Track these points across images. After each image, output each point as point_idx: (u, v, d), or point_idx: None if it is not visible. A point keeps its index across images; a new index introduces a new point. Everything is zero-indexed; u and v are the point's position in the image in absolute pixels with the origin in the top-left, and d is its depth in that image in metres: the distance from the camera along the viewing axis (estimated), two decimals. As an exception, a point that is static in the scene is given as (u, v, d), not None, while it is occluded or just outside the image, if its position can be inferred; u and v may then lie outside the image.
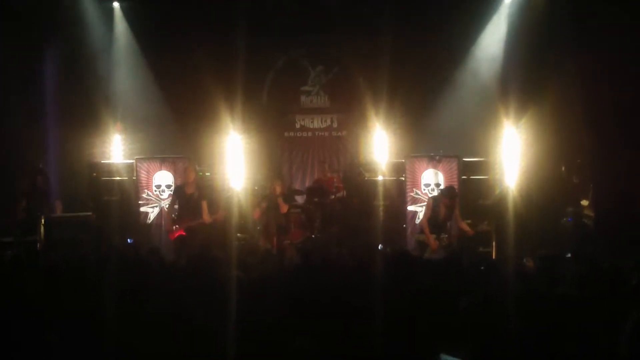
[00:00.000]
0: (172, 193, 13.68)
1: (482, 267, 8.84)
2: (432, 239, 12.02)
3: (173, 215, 13.24)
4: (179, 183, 13.85)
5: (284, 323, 6.02)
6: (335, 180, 15.69)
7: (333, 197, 15.33)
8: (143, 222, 14.27)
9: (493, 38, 16.07)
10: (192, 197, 13.04)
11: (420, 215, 14.07)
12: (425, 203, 12.84)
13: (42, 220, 12.65)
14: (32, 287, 7.42)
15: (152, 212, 14.34)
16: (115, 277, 7.67)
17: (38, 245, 12.43)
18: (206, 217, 12.92)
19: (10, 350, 5.87)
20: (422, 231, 12.45)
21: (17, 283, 7.65)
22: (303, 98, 17.74)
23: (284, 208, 13.87)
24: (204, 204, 12.99)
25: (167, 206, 13.68)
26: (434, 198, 12.47)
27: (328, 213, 15.21)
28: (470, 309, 5.94)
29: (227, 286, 7.11)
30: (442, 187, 13.90)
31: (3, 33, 14.46)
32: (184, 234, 12.91)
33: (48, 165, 13.65)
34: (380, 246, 12.65)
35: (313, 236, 14.54)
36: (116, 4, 16.47)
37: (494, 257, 12.19)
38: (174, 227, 13.00)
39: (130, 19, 16.36)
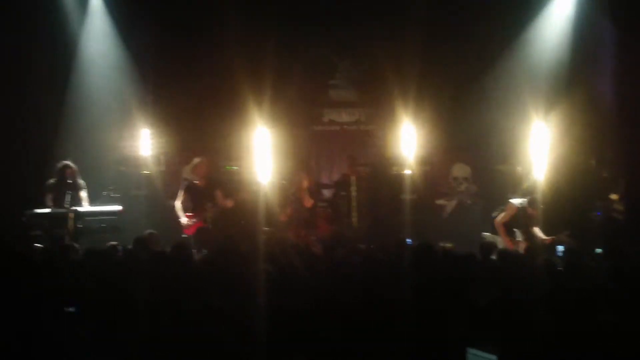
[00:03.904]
0: (182, 190, 13.74)
1: (510, 261, 8.81)
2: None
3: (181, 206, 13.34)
4: (190, 178, 13.93)
5: (313, 316, 6.03)
6: (362, 174, 15.66)
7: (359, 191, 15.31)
8: (171, 216, 14.33)
9: (525, 32, 15.94)
10: (204, 188, 13.17)
11: (449, 209, 14.03)
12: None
13: (71, 214, 12.72)
14: (61, 280, 7.47)
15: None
16: (144, 271, 7.72)
17: (66, 239, 12.50)
18: (223, 203, 13.05)
19: (41, 342, 5.92)
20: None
21: (47, 276, 7.71)
22: (331, 92, 17.71)
23: (309, 202, 13.88)
24: (218, 192, 13.14)
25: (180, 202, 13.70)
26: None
27: (355, 207, 15.19)
28: (490, 304, 5.94)
29: (256, 280, 7.13)
30: (470, 180, 13.90)
31: (32, 27, 14.58)
32: (203, 225, 12.98)
33: (77, 159, 13.70)
34: (409, 240, 12.61)
35: (340, 230, 14.51)
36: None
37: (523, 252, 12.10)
38: (192, 221, 13.08)
39: (156, 13, 16.37)
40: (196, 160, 13.68)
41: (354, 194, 15.02)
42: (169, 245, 9.84)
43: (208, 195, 13.25)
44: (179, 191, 13.64)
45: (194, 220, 13.15)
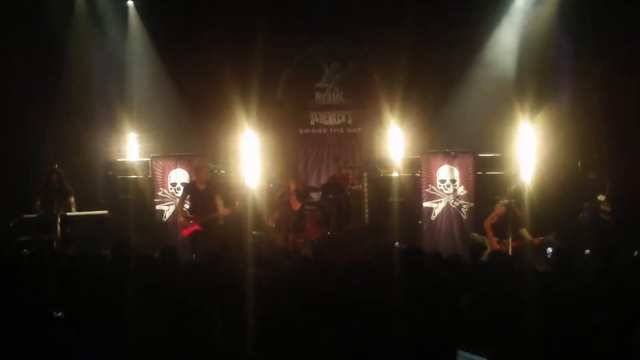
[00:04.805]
0: (182, 189, 13.72)
1: (500, 263, 8.82)
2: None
3: (185, 211, 13.32)
4: (189, 180, 13.92)
5: (301, 320, 6.02)
6: (350, 177, 15.69)
7: (348, 194, 15.35)
8: (159, 221, 14.31)
9: (509, 33, 15.99)
10: (205, 192, 13.12)
11: (436, 211, 14.04)
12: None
13: (59, 219, 12.70)
14: (49, 285, 7.45)
15: (167, 210, 14.37)
16: (132, 275, 7.70)
17: (55, 244, 12.48)
18: (222, 210, 13.00)
19: (29, 347, 5.90)
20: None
21: (35, 281, 7.69)
22: (318, 95, 17.75)
23: (296, 205, 13.88)
24: (218, 198, 13.08)
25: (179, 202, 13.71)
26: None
27: (344, 210, 15.19)
28: (482, 306, 5.95)
29: (245, 283, 7.12)
30: (457, 182, 13.93)
31: (18, 33, 14.54)
32: (199, 228, 12.93)
33: (64, 164, 13.68)
34: (397, 243, 12.63)
35: (328, 233, 14.52)
36: (130, 2, 16.50)
37: (510, 253, 12.14)
38: (189, 222, 13.04)
39: (144, 17, 16.39)
40: (197, 163, 13.67)
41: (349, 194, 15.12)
42: (157, 249, 9.85)
43: (207, 199, 13.19)
44: (181, 193, 13.66)
45: (191, 222, 13.11)
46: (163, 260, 9.11)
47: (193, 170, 13.79)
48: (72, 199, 13.42)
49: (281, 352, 5.47)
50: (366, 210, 15.31)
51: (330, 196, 15.13)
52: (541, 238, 12.37)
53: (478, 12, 15.75)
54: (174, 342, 5.67)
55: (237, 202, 13.64)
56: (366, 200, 15.37)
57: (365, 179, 15.45)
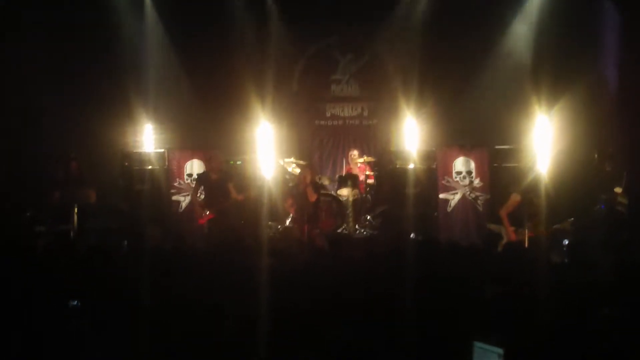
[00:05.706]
0: (196, 180, 13.79)
1: (513, 255, 8.80)
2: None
3: (200, 201, 13.40)
4: (203, 170, 13.99)
5: (317, 311, 6.03)
6: (366, 169, 15.67)
7: (363, 187, 15.34)
8: (175, 211, 14.34)
9: (526, 25, 15.92)
10: (217, 181, 13.19)
11: (452, 203, 14.03)
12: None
13: (76, 209, 12.73)
14: (64, 276, 7.48)
15: (183, 201, 14.40)
16: (147, 266, 7.72)
17: (71, 235, 12.52)
18: (235, 196, 13.08)
19: (43, 338, 5.93)
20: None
21: (49, 272, 7.72)
22: (333, 87, 17.72)
23: (313, 197, 13.89)
24: (230, 186, 13.16)
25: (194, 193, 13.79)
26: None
27: (359, 202, 15.19)
28: (498, 298, 5.94)
29: (260, 274, 7.13)
30: (473, 174, 13.91)
31: (34, 23, 14.57)
32: (214, 217, 12.99)
33: (81, 154, 13.72)
34: (412, 235, 12.62)
35: (344, 225, 14.53)
36: (146, -6, 16.57)
37: (525, 244, 12.12)
38: (204, 213, 13.11)
39: (160, 9, 16.41)
40: (210, 153, 13.75)
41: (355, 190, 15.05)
42: (172, 240, 9.87)
43: (221, 188, 13.28)
44: (195, 184, 13.74)
45: (207, 212, 13.19)
46: (176, 251, 9.14)
47: (206, 161, 13.86)
48: (90, 190, 13.47)
49: (293, 345, 5.48)
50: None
51: (346, 188, 15.13)
52: (557, 226, 12.36)
53: (494, 3, 15.70)
54: (186, 332, 5.69)
55: (251, 190, 13.70)
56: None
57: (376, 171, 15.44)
